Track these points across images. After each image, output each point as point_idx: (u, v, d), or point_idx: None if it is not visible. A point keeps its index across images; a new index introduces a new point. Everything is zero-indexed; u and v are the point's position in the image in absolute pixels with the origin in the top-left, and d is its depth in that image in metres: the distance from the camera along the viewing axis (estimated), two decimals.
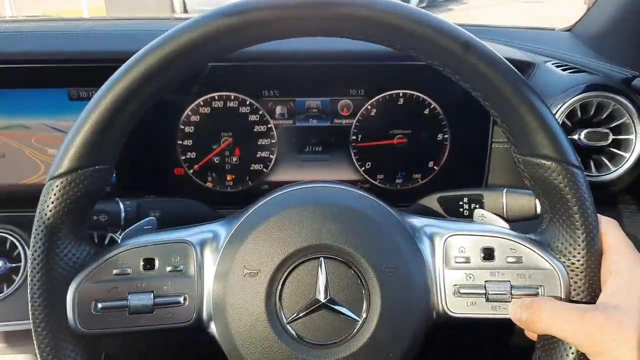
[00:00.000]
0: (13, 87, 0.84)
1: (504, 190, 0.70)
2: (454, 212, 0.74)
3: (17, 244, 0.86)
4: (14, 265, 0.85)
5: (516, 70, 0.51)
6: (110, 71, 0.51)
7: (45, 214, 0.51)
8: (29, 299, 0.51)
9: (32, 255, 0.51)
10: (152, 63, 0.49)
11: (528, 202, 0.68)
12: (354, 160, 0.92)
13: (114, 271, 0.54)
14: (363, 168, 0.92)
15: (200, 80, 0.87)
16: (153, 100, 0.52)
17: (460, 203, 0.73)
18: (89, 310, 0.52)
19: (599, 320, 0.47)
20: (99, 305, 0.52)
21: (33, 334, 0.52)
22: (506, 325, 0.54)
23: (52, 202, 0.51)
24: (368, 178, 0.93)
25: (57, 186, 0.50)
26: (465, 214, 0.73)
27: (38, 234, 0.51)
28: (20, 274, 0.85)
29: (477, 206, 0.72)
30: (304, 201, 0.56)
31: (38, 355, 0.52)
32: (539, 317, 0.51)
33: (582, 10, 1.11)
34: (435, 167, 0.93)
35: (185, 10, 9.13)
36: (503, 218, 0.65)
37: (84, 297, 0.52)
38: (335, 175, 0.93)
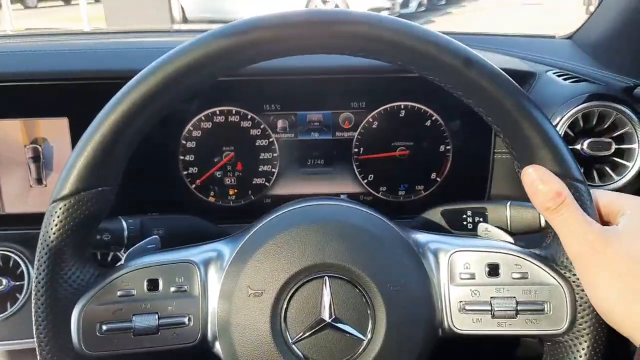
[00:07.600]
0: (13, 117, 0.83)
1: (508, 204, 0.70)
2: (457, 225, 0.74)
3: (20, 262, 0.86)
4: (17, 283, 0.85)
5: (518, 86, 0.51)
6: (112, 89, 0.51)
7: (49, 237, 0.51)
8: (34, 322, 0.51)
9: (37, 278, 0.51)
10: (154, 83, 0.49)
11: (532, 216, 0.68)
12: (356, 172, 0.92)
13: (118, 292, 0.53)
14: (365, 180, 0.92)
15: (201, 95, 0.88)
16: (155, 119, 0.52)
17: (464, 216, 0.73)
18: (93, 332, 0.52)
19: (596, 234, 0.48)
20: (104, 327, 0.52)
21: (38, 356, 0.52)
22: (512, 342, 0.54)
23: (56, 225, 0.50)
24: (370, 190, 0.93)
25: (60, 209, 0.50)
26: (469, 227, 0.73)
27: (42, 257, 0.51)
28: (23, 292, 0.85)
29: (481, 219, 0.71)
30: (308, 219, 0.56)
31: None
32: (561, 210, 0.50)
33: (582, 16, 1.11)
34: (437, 179, 0.93)
35: (185, 18, 9.17)
36: (507, 231, 0.65)
37: (88, 319, 0.52)
38: (338, 188, 0.93)
